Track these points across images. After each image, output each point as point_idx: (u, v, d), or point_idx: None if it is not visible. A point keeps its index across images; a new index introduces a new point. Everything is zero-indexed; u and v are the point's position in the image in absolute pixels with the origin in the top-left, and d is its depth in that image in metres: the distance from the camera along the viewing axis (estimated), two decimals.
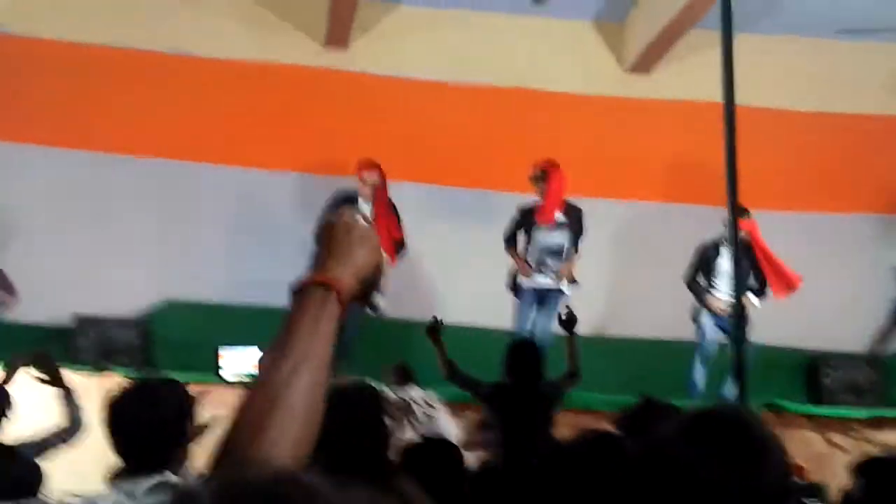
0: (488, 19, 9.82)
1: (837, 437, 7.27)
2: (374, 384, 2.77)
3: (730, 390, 8.00)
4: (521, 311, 8.40)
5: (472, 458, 6.03)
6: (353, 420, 2.48)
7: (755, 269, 8.61)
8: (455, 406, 6.94)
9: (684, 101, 9.61)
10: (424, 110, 9.62)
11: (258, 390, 1.41)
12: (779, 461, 1.55)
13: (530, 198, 8.61)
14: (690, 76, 9.31)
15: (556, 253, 8.41)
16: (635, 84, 10.05)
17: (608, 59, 10.19)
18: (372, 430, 2.53)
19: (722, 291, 8.38)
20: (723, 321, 8.18)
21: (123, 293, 8.88)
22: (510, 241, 8.51)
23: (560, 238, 8.43)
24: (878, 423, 7.52)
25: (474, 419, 6.80)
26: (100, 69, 9.15)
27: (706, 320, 8.49)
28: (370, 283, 1.55)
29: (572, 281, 8.41)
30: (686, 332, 8.91)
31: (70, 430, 4.78)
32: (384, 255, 1.53)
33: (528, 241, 8.47)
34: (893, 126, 10.19)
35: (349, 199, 8.44)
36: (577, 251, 8.50)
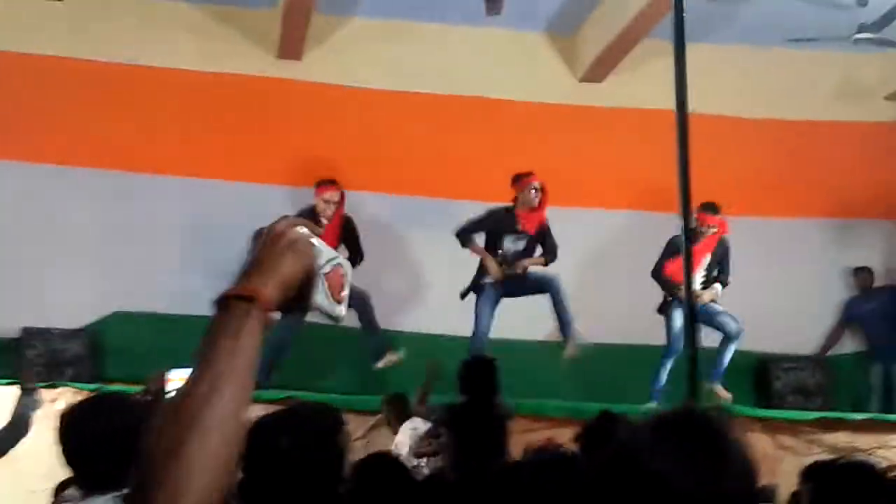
0: (442, 30, 9.86)
1: (787, 440, 7.36)
2: (335, 410, 2.71)
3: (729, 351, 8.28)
4: (482, 312, 8.33)
5: (423, 466, 6.04)
6: (309, 443, 2.45)
7: (722, 260, 8.74)
8: None
9: (637, 110, 9.69)
10: (379, 120, 9.63)
11: (174, 410, 1.30)
12: (744, 465, 1.57)
13: (485, 206, 8.62)
14: (643, 85, 9.40)
15: (513, 260, 8.42)
16: (588, 93, 10.14)
17: (561, 69, 10.27)
18: (327, 454, 2.49)
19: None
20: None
21: (71, 305, 8.80)
22: (468, 236, 8.41)
23: (520, 246, 8.44)
24: (827, 424, 7.62)
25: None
26: (49, 80, 9.06)
27: (675, 312, 8.55)
28: (300, 292, 1.48)
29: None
30: (643, 337, 9.00)
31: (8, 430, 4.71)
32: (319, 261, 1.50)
33: (494, 245, 8.40)
34: (842, 132, 10.37)
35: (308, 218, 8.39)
36: (547, 260, 8.53)
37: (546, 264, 8.53)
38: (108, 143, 9.16)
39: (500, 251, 8.39)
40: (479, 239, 8.47)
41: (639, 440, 1.58)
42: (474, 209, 8.63)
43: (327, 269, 1.54)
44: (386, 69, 9.75)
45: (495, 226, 8.44)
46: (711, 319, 8.45)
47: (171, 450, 1.26)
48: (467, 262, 8.50)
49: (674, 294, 8.54)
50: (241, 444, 1.32)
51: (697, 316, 8.22)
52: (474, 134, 9.71)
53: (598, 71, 10.06)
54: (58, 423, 2.91)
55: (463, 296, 8.39)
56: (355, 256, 8.40)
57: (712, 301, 8.62)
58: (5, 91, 8.90)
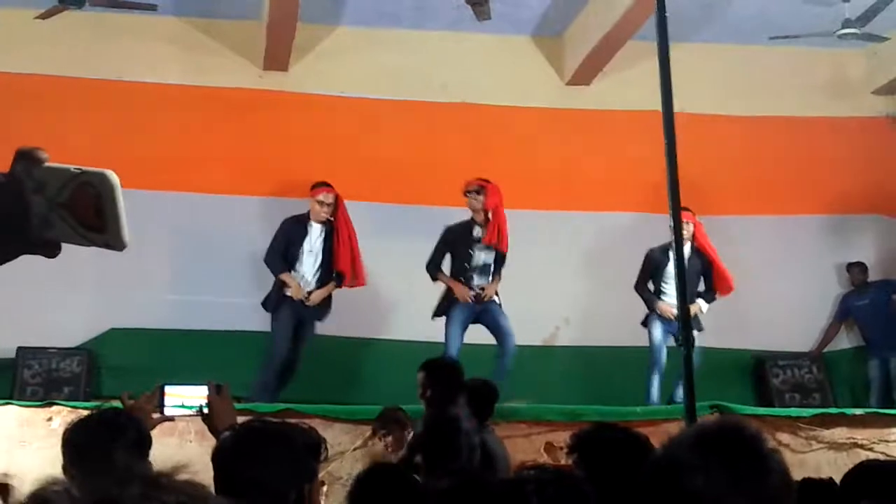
0: (427, 37, 9.88)
1: (786, 437, 7.36)
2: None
3: (679, 394, 8.13)
4: (450, 331, 8.17)
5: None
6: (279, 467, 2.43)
7: (705, 273, 8.69)
8: None
9: (625, 112, 9.71)
10: (366, 129, 9.64)
11: None
12: (783, 478, 1.57)
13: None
14: (630, 87, 9.42)
15: (484, 272, 8.31)
16: (576, 96, 10.15)
17: (548, 72, 10.29)
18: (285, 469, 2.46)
19: (671, 296, 8.42)
20: (673, 326, 8.21)
21: (67, 324, 8.79)
22: (435, 269, 8.31)
23: (489, 258, 8.32)
24: (826, 420, 7.62)
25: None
26: (34, 98, 9.05)
27: (656, 326, 8.55)
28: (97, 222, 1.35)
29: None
30: (637, 339, 8.99)
31: None
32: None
33: (464, 260, 8.27)
34: (831, 128, 10.38)
35: (297, 225, 8.39)
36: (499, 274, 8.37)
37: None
38: (97, 159, 8.93)
39: (465, 264, 8.25)
40: (446, 263, 8.35)
41: (679, 456, 1.56)
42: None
43: (65, 195, 1.37)
44: (372, 77, 9.77)
45: (456, 242, 8.31)
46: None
47: None
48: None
49: (653, 308, 8.53)
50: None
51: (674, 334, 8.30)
52: (462, 140, 9.71)
53: (585, 74, 10.08)
54: (63, 439, 2.93)
55: (433, 317, 8.31)
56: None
57: (693, 320, 8.50)
58: None
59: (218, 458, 2.42)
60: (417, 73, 9.84)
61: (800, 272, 10.01)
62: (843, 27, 9.04)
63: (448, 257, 8.37)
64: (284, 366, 8.14)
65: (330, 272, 8.33)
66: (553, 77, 10.27)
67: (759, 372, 9.71)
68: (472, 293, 8.22)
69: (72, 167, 1.35)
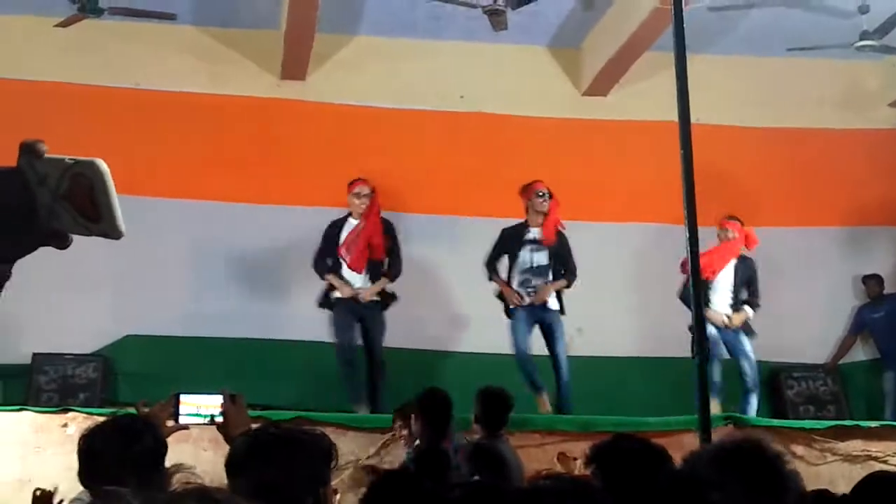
0: (444, 47, 9.90)
1: (800, 449, 7.33)
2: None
3: (751, 405, 8.20)
4: (515, 334, 8.24)
5: None
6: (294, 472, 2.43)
7: (749, 280, 8.71)
8: None
9: (642, 122, 9.71)
10: (384, 139, 9.67)
11: None
12: (798, 497, 1.57)
13: (492, 222, 8.63)
14: (646, 97, 9.42)
15: (538, 273, 8.33)
16: (593, 107, 10.16)
17: (565, 82, 10.30)
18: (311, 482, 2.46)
19: (715, 305, 8.54)
20: (724, 333, 8.43)
21: (83, 330, 8.82)
22: (492, 267, 8.39)
23: (541, 259, 8.34)
24: (841, 433, 7.59)
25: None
26: (54, 105, 9.10)
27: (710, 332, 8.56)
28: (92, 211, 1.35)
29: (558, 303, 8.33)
30: (653, 349, 8.99)
31: None
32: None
33: (512, 263, 8.35)
34: (848, 140, 10.36)
35: (336, 224, 8.38)
36: (567, 282, 8.34)
37: (568, 286, 8.35)
38: (116, 167, 8.95)
39: (518, 265, 8.30)
40: (503, 264, 8.40)
41: (699, 472, 1.57)
42: (482, 225, 8.64)
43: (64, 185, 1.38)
44: (389, 87, 9.79)
45: (510, 243, 8.39)
46: (737, 357, 8.50)
47: None
48: (479, 280, 8.50)
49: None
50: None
51: (726, 342, 8.33)
52: (480, 150, 9.73)
53: (602, 84, 10.09)
54: (79, 444, 2.95)
55: (506, 313, 8.36)
56: (393, 267, 8.38)
57: (743, 327, 8.56)
58: (9, 118, 8.93)
59: (231, 463, 2.43)
60: (435, 83, 9.86)
61: (816, 284, 9.99)
62: (860, 39, 9.03)
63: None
64: (350, 363, 8.06)
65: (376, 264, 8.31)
66: (570, 88, 10.29)
67: (774, 383, 9.68)
68: (526, 295, 8.21)
69: (66, 157, 1.36)
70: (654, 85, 9.05)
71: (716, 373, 8.42)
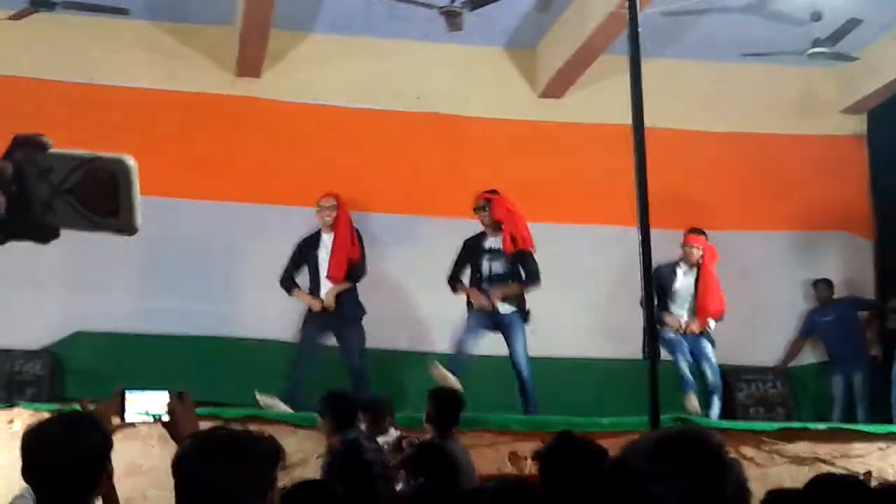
0: (401, 46, 9.88)
1: (749, 451, 7.40)
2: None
3: (714, 407, 8.30)
4: (465, 328, 8.29)
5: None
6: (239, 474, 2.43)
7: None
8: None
9: (596, 125, 9.76)
10: (339, 138, 9.63)
11: None
12: (740, 489, 1.57)
13: (447, 221, 8.64)
14: (601, 100, 9.46)
15: (495, 280, 8.35)
16: (548, 109, 10.19)
17: (521, 84, 10.32)
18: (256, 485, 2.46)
19: (675, 310, 8.73)
20: (684, 339, 8.62)
21: (31, 326, 8.72)
22: (455, 283, 8.41)
23: (498, 267, 8.37)
24: (789, 435, 7.67)
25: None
26: (9, 99, 8.96)
27: (673, 337, 8.63)
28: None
29: (518, 308, 8.34)
30: (602, 351, 9.03)
31: None
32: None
33: (475, 272, 8.37)
34: (800, 145, 10.47)
35: (310, 240, 8.42)
36: (526, 285, 8.34)
37: (525, 290, 8.36)
38: None
39: (480, 275, 8.34)
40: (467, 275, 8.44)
41: (637, 461, 1.56)
42: (437, 225, 8.64)
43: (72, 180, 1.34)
44: (345, 86, 9.76)
45: (471, 253, 8.43)
46: (699, 361, 8.62)
47: None
48: (436, 281, 8.51)
49: (661, 321, 8.59)
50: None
51: (687, 346, 8.43)
52: (435, 150, 9.73)
53: (558, 86, 10.13)
54: (22, 441, 2.90)
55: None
56: (356, 270, 8.42)
57: (703, 333, 8.66)
58: None
59: (178, 465, 2.42)
60: (391, 83, 9.85)
61: (767, 287, 10.09)
62: (813, 46, 9.13)
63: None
64: (299, 373, 8.10)
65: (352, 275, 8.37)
66: (526, 89, 10.31)
67: (724, 385, 9.75)
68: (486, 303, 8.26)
69: (84, 152, 1.34)
70: (609, 88, 9.10)
71: (685, 370, 8.53)
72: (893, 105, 10.18)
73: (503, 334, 8.29)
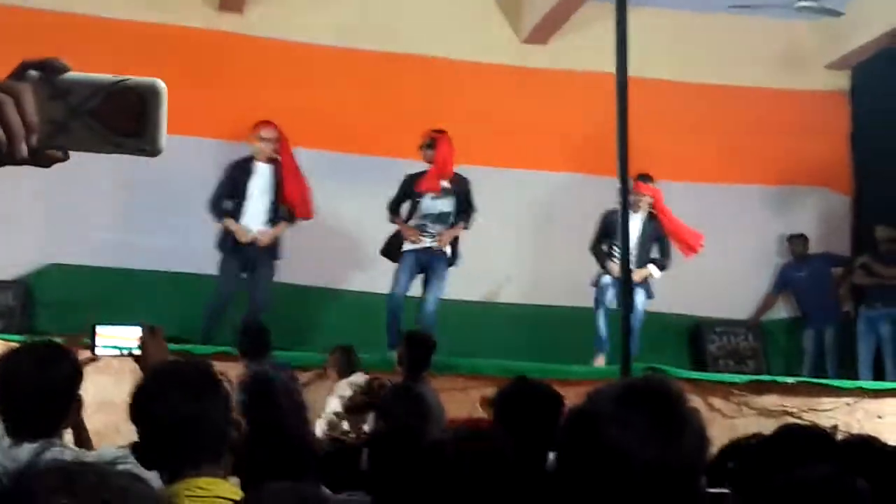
0: None
1: (718, 402, 7.49)
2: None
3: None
4: (398, 275, 8.29)
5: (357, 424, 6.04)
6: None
7: (660, 239, 8.83)
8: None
9: (581, 72, 9.70)
10: (320, 76, 9.53)
11: None
12: (699, 437, 1.61)
13: (418, 164, 8.62)
14: (586, 47, 9.40)
15: (440, 219, 8.37)
16: (532, 54, 10.12)
17: (505, 28, 10.24)
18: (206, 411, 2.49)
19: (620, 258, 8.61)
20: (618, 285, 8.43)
21: (4, 256, 8.65)
22: (395, 210, 8.43)
23: (445, 206, 8.39)
24: (758, 387, 7.76)
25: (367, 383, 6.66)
26: None
27: (608, 285, 8.65)
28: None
29: (451, 249, 8.37)
30: (578, 299, 9.07)
31: None
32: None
33: (413, 209, 8.39)
34: (784, 99, 10.45)
35: (242, 167, 8.33)
36: (465, 224, 8.44)
37: (465, 228, 8.43)
38: None
39: (420, 211, 8.33)
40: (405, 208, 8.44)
41: (599, 409, 1.60)
42: (414, 167, 8.59)
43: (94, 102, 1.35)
44: (328, 24, 9.64)
45: (411, 190, 8.40)
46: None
47: None
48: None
49: (605, 269, 8.63)
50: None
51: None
52: (416, 92, 9.64)
53: (542, 32, 10.04)
54: None
55: (381, 253, 8.44)
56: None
57: (642, 283, 8.63)
58: None
59: (134, 396, 2.50)
60: (374, 22, 9.73)
61: (742, 241, 10.12)
62: None
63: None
64: (220, 309, 8.10)
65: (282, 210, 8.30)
66: (510, 34, 10.23)
67: (696, 337, 9.85)
68: (424, 238, 8.22)
69: (108, 76, 1.33)
70: (594, 35, 9.03)
71: (601, 324, 8.55)
72: (878, 61, 10.16)
73: (427, 275, 8.29)
